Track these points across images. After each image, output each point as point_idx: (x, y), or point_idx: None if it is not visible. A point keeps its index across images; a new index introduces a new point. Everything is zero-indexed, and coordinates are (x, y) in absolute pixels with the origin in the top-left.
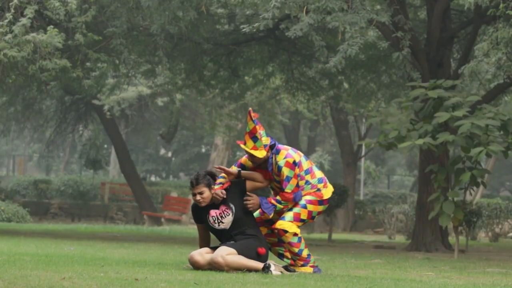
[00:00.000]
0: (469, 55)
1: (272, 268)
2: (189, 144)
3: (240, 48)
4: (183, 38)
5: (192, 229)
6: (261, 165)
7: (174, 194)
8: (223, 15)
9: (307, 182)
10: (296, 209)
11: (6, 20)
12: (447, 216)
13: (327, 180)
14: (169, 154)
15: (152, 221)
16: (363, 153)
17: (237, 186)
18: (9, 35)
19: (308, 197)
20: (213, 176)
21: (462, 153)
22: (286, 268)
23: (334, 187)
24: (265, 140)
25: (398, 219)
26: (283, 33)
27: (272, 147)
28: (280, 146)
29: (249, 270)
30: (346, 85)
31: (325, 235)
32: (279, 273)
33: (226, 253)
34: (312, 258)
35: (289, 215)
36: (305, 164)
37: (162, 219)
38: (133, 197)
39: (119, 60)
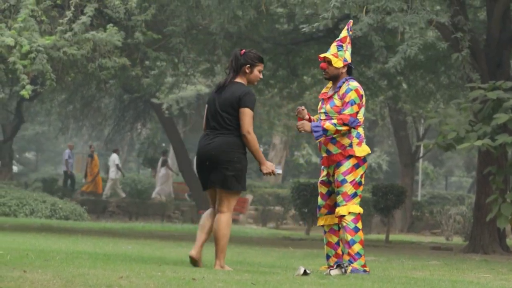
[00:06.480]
0: None
1: (333, 271)
2: None
3: (299, 47)
4: (242, 37)
5: (249, 228)
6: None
7: None
8: (283, 15)
9: (357, 133)
10: (340, 190)
11: (66, 18)
12: (505, 218)
13: (364, 140)
14: None
15: None
16: (421, 154)
17: None
18: (69, 33)
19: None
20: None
21: None
22: (338, 265)
23: (392, 188)
24: (348, 56)
25: (456, 220)
26: None
27: (349, 70)
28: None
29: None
30: (405, 86)
31: (382, 236)
32: (339, 273)
33: None
34: (361, 260)
35: (339, 199)
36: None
37: None
38: (191, 196)
39: (178, 59)
